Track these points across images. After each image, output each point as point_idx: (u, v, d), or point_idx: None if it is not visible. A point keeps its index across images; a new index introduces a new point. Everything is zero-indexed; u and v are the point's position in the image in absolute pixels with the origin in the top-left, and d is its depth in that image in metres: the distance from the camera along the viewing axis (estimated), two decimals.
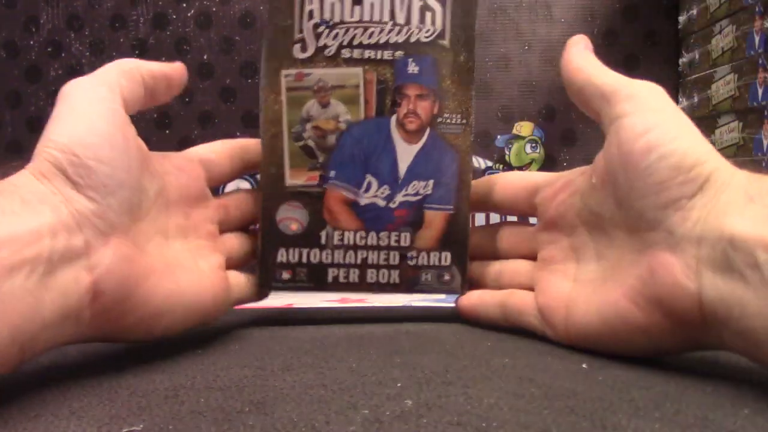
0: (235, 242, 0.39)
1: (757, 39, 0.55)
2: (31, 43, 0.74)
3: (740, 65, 0.58)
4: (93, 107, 0.31)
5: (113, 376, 0.29)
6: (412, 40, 0.39)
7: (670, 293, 0.29)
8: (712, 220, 0.28)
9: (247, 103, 0.73)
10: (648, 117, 0.31)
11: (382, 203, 0.39)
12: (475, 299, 0.40)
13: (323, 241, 0.39)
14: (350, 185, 0.39)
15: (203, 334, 0.38)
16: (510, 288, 0.39)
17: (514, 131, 0.71)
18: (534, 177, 0.39)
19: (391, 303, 0.56)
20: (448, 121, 0.39)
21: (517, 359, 0.32)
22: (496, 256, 0.40)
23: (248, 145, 0.40)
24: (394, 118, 0.39)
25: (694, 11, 0.68)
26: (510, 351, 0.34)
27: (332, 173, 0.39)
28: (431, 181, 0.39)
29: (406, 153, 0.39)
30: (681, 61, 0.71)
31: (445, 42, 0.39)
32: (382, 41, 0.38)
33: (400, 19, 0.38)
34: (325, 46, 0.38)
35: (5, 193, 0.27)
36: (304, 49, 0.38)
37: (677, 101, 0.71)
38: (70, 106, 0.31)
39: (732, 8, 0.59)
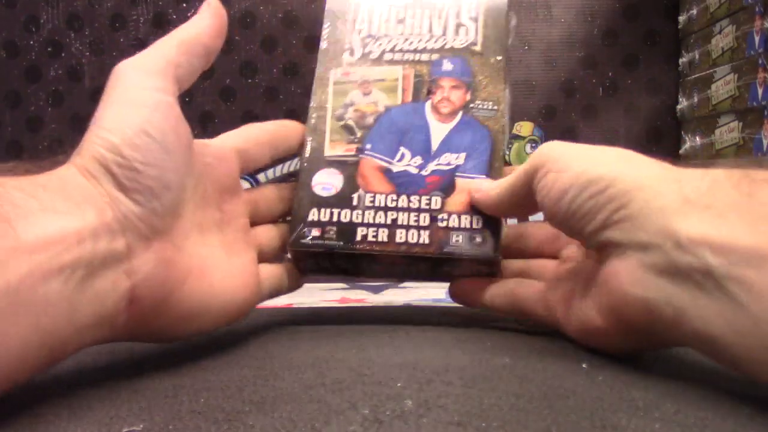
0: (267, 235, 0.39)
1: (757, 39, 0.55)
2: (31, 43, 0.74)
3: (740, 65, 0.58)
4: (147, 100, 0.30)
5: (113, 376, 0.29)
6: (447, 46, 0.43)
7: (620, 301, 0.30)
8: (651, 225, 0.28)
9: (247, 103, 0.73)
10: (553, 175, 0.33)
11: (414, 170, 0.40)
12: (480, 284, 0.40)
13: (355, 202, 0.39)
14: (384, 155, 0.41)
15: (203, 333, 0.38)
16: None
17: (514, 131, 0.71)
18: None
19: (391, 303, 0.56)
20: (480, 106, 0.42)
21: (517, 359, 0.32)
22: (523, 254, 0.41)
23: (284, 132, 0.41)
24: (429, 103, 0.42)
25: (694, 11, 0.68)
26: (510, 351, 0.34)
27: (368, 146, 0.41)
28: (463, 154, 0.40)
29: (439, 130, 0.41)
30: (681, 61, 0.71)
31: (477, 47, 0.43)
32: (420, 47, 0.43)
33: (437, 32, 0.44)
34: (371, 52, 0.43)
35: (50, 189, 0.26)
36: (351, 54, 0.44)
37: (677, 101, 0.71)
38: (123, 95, 0.30)
39: (732, 8, 0.59)
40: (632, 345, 0.32)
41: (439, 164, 0.40)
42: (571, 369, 0.30)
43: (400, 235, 0.39)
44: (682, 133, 0.71)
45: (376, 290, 0.65)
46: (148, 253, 0.28)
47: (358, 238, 0.39)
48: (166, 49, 0.32)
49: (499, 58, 0.43)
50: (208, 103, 0.73)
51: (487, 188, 0.38)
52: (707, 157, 0.65)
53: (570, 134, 0.72)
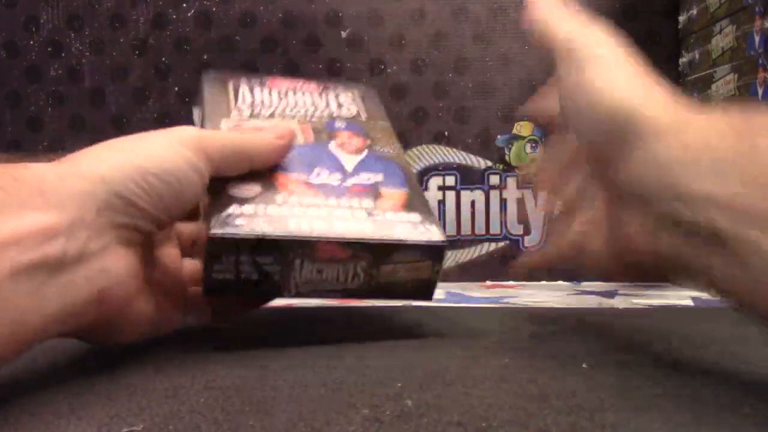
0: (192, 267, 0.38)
1: (757, 39, 0.55)
2: (31, 43, 0.74)
3: (740, 65, 0.58)
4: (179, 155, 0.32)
5: (113, 376, 0.29)
6: (335, 115, 0.44)
7: (630, 250, 0.29)
8: (652, 176, 0.27)
9: None
10: (578, 76, 0.31)
11: (335, 183, 0.38)
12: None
13: (280, 201, 0.35)
14: (300, 172, 0.38)
15: (203, 333, 0.38)
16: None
17: (514, 131, 0.71)
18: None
19: (391, 303, 0.56)
20: (381, 150, 0.42)
21: (517, 359, 0.32)
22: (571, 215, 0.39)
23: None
24: (332, 143, 0.41)
25: (694, 11, 0.68)
26: (510, 351, 0.34)
27: (281, 168, 0.38)
28: (381, 174, 0.39)
29: (349, 159, 0.40)
30: (681, 61, 0.71)
31: (363, 117, 0.44)
32: (310, 113, 0.43)
33: (322, 106, 0.44)
34: (260, 113, 0.42)
35: (26, 183, 0.26)
36: (240, 114, 0.42)
37: None
38: (165, 138, 0.32)
39: (732, 8, 0.59)
40: (636, 279, 0.32)
41: (359, 180, 0.39)
42: (571, 369, 0.30)
43: (340, 227, 0.35)
44: None
45: None
46: (120, 257, 0.29)
47: (292, 227, 0.34)
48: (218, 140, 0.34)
49: (386, 123, 0.44)
50: None
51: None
52: None
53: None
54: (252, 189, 0.35)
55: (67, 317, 0.27)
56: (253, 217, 0.34)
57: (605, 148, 0.30)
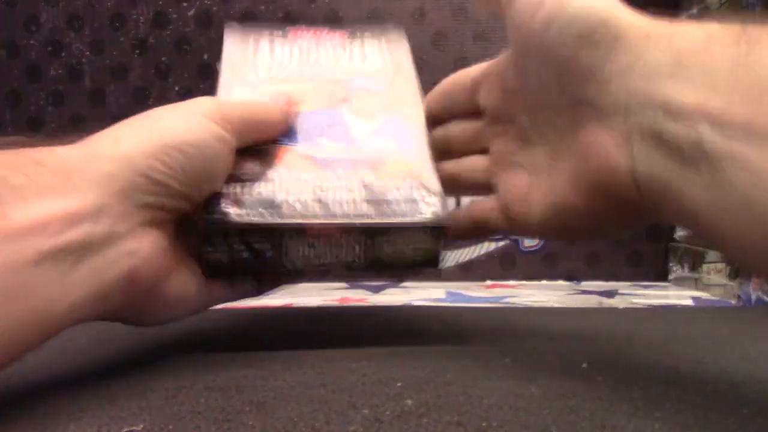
0: None
1: None
2: (31, 43, 0.74)
3: None
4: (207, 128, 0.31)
5: (113, 376, 0.29)
6: (356, 71, 0.42)
7: (604, 175, 0.27)
8: (635, 85, 0.25)
9: None
10: None
11: (339, 155, 0.36)
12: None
13: (276, 179, 0.35)
14: (302, 143, 0.37)
15: (203, 333, 0.38)
16: (468, 187, 0.38)
17: None
18: (472, 72, 0.37)
19: (391, 303, 0.56)
20: (396, 111, 0.40)
21: (517, 359, 0.32)
22: (450, 155, 0.38)
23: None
24: (345, 107, 0.39)
25: (694, 11, 0.68)
26: (510, 351, 0.34)
27: (284, 139, 0.37)
28: (392, 141, 0.38)
29: (360, 126, 0.38)
30: None
31: (386, 72, 0.42)
32: (329, 73, 0.42)
33: (345, 62, 0.43)
34: (276, 76, 0.41)
35: (48, 166, 0.26)
36: (256, 76, 0.40)
37: None
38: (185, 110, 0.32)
39: (732, 8, 0.59)
40: (607, 222, 0.29)
41: (364, 149, 0.37)
42: (571, 369, 0.30)
43: (335, 207, 0.34)
44: None
45: (376, 290, 0.65)
46: (148, 238, 0.29)
47: (285, 210, 0.34)
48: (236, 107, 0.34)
49: (411, 76, 0.42)
50: None
51: None
52: None
53: None
54: (250, 167, 0.35)
55: (94, 302, 0.27)
56: (243, 200, 0.33)
57: (576, 61, 0.27)
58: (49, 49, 0.74)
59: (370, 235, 0.34)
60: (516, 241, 0.73)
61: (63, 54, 0.74)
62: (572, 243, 0.73)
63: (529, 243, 0.73)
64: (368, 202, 0.34)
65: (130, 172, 0.28)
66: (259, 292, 0.37)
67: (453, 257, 0.73)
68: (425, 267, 0.36)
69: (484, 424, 0.23)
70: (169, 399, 0.26)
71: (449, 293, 0.63)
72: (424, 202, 0.35)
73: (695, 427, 0.23)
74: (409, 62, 0.44)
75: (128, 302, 0.29)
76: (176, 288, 0.31)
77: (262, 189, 0.34)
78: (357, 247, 0.35)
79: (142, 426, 0.23)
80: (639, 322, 0.45)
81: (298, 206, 0.34)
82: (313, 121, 0.38)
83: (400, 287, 0.68)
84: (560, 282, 0.72)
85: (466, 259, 0.73)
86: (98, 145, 0.29)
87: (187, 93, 0.73)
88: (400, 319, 0.43)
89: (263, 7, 0.73)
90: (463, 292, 0.65)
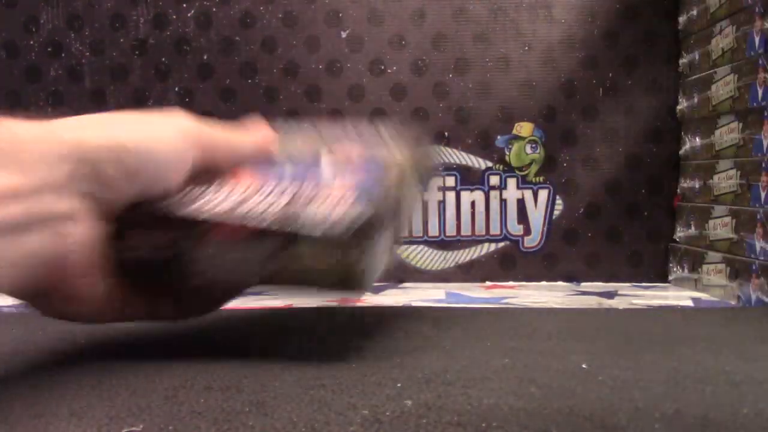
0: None
1: (757, 39, 0.55)
2: (31, 43, 0.74)
3: (740, 66, 0.58)
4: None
5: (113, 376, 0.29)
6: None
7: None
8: None
9: (247, 103, 0.73)
10: None
11: (290, 176, 0.35)
12: None
13: (217, 190, 0.34)
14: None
15: (203, 333, 0.38)
16: None
17: (514, 132, 0.71)
18: None
19: (391, 303, 0.56)
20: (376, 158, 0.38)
21: (517, 359, 0.32)
22: None
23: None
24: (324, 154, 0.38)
25: (694, 11, 0.68)
26: (510, 351, 0.34)
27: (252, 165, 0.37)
28: (351, 177, 0.36)
29: (330, 164, 0.37)
30: (681, 61, 0.71)
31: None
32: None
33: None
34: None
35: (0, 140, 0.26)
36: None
37: (677, 102, 0.71)
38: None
39: (732, 8, 0.59)
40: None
41: (316, 175, 0.36)
42: (571, 369, 0.30)
43: (249, 214, 0.32)
44: (682, 133, 0.71)
45: (376, 290, 0.65)
46: (86, 227, 0.29)
47: (197, 207, 0.33)
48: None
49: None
50: (208, 103, 0.73)
51: None
52: (707, 158, 0.65)
53: (570, 135, 0.72)
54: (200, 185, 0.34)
55: (17, 278, 0.27)
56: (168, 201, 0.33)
57: None
58: (49, 49, 0.74)
59: (273, 242, 0.32)
60: (516, 242, 0.73)
61: (63, 54, 0.74)
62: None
63: (530, 243, 0.73)
64: (279, 212, 0.33)
65: (79, 159, 0.28)
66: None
67: (453, 257, 0.73)
68: (345, 288, 0.34)
69: (483, 424, 0.23)
70: (169, 399, 0.26)
71: (449, 294, 0.64)
72: (334, 217, 0.32)
73: (695, 427, 0.23)
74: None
75: (46, 286, 0.28)
76: (93, 287, 0.31)
77: (202, 196, 0.33)
78: (264, 257, 0.33)
79: (142, 426, 0.23)
80: (639, 322, 0.45)
81: (208, 207, 0.33)
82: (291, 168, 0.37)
83: (400, 287, 0.68)
84: (560, 283, 0.72)
85: (466, 259, 0.73)
86: (60, 127, 0.29)
87: (186, 93, 0.73)
88: (400, 319, 0.43)
89: (263, 8, 0.73)
90: (463, 292, 0.65)
